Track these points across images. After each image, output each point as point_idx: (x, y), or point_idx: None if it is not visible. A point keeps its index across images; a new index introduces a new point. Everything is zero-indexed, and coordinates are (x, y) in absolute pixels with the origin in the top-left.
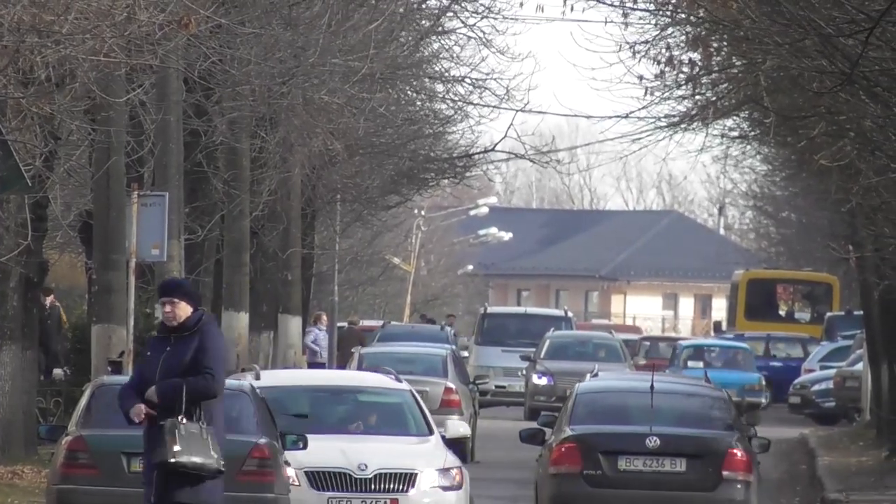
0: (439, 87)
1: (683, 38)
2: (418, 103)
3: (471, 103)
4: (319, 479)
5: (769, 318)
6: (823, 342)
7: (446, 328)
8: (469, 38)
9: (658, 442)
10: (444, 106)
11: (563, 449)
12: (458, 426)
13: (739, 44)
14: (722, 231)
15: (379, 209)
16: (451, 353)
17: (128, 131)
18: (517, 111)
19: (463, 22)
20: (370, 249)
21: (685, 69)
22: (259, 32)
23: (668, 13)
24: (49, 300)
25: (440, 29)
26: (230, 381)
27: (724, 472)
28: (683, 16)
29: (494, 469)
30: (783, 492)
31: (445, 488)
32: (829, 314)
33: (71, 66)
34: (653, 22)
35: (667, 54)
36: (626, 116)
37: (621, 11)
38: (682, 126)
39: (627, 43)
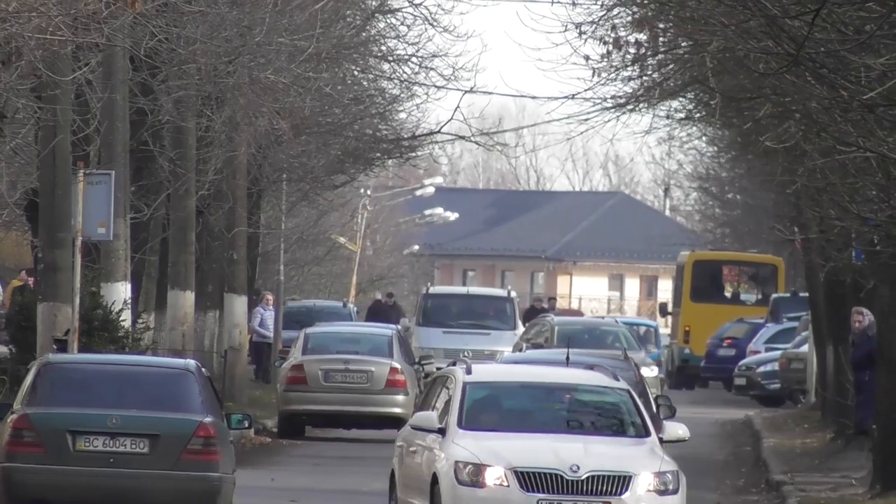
0: (385, 67)
1: (630, 18)
2: (364, 83)
3: (417, 83)
4: (529, 479)
5: (715, 299)
6: (769, 324)
7: (349, 305)
8: (415, 17)
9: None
10: (390, 85)
11: None
12: (676, 428)
13: (685, 25)
14: (667, 212)
15: (325, 189)
16: (396, 333)
17: (74, 110)
18: (464, 92)
19: (409, 1)
20: (316, 229)
21: (631, 50)
22: (205, 11)
23: None
24: None
25: (386, 8)
26: (174, 360)
27: None
28: None
29: None
30: (728, 473)
31: (661, 492)
32: (774, 296)
33: (17, 43)
34: (599, 2)
35: (613, 35)
36: (573, 97)
37: None
38: (629, 107)
39: (574, 23)
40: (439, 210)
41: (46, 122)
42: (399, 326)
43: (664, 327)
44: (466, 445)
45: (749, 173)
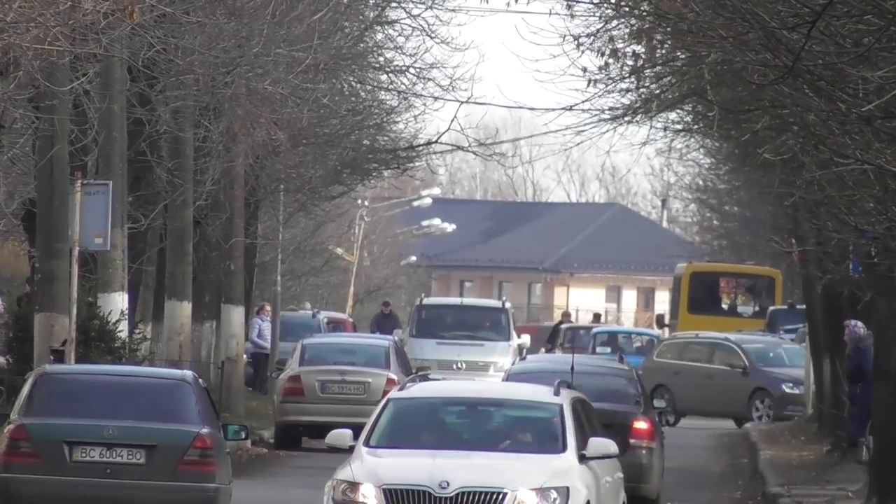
0: (383, 78)
1: (627, 30)
2: (362, 94)
3: (415, 94)
4: (397, 497)
5: (712, 311)
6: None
7: (318, 315)
8: (413, 28)
9: None
10: (388, 96)
11: None
12: (602, 444)
13: (683, 37)
14: (665, 224)
15: (322, 199)
16: (393, 344)
17: (71, 120)
18: (461, 103)
19: (407, 12)
20: (313, 239)
21: (629, 62)
22: (203, 22)
23: (613, 5)
24: None
25: (384, 19)
26: (171, 371)
27: (631, 440)
28: (627, 8)
29: None
30: (725, 485)
31: None
32: (771, 308)
33: (15, 54)
34: (597, 14)
35: (611, 47)
36: (570, 109)
37: (566, 3)
38: (626, 119)
39: (571, 35)
40: (436, 221)
41: (44, 132)
42: (395, 337)
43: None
44: (355, 464)
45: (747, 185)
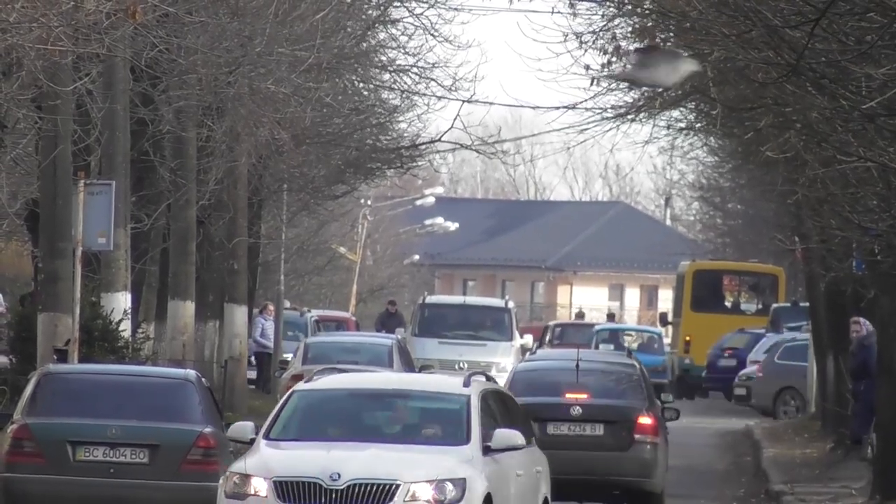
0: (386, 77)
1: (630, 28)
2: (365, 93)
3: (417, 93)
4: (288, 489)
5: (715, 309)
6: (769, 334)
7: (306, 315)
8: (416, 27)
9: (580, 410)
10: (390, 95)
11: None
12: (508, 436)
13: (686, 35)
14: (668, 222)
15: (325, 199)
16: (396, 342)
17: (74, 120)
18: (464, 101)
19: (409, 11)
20: (316, 239)
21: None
22: (206, 21)
23: (615, 4)
24: None
25: (387, 18)
26: (174, 370)
27: (636, 436)
28: (630, 6)
29: None
30: (728, 483)
31: (436, 503)
32: (774, 305)
33: (18, 54)
34: (600, 12)
35: (614, 45)
36: (573, 107)
37: (569, 2)
38: (629, 117)
39: (574, 33)
40: (439, 220)
41: (47, 132)
42: (399, 336)
43: (665, 337)
44: (250, 457)
45: (750, 183)
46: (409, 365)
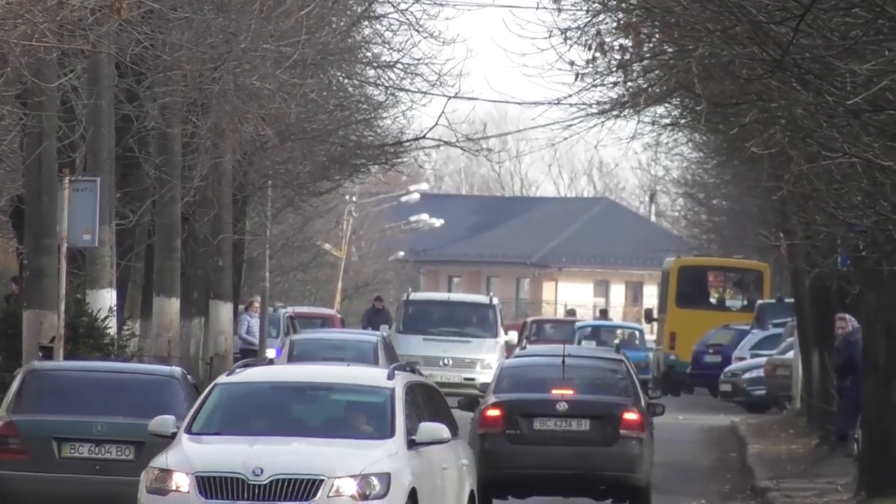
0: (371, 73)
1: (615, 24)
2: (350, 89)
3: (402, 89)
4: (210, 484)
5: (700, 305)
6: (754, 330)
7: (278, 311)
8: (400, 23)
9: (566, 406)
10: (375, 91)
11: (488, 413)
12: (433, 429)
13: (671, 30)
14: (653, 218)
15: (310, 195)
16: (381, 339)
17: (59, 116)
18: (448, 98)
19: (394, 7)
20: (301, 235)
21: (616, 56)
22: (190, 17)
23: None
24: None
25: (371, 14)
26: (159, 367)
27: (621, 431)
28: (615, 2)
29: None
30: (714, 479)
31: (362, 497)
32: (759, 302)
33: (2, 50)
34: (584, 8)
35: (598, 40)
36: (558, 103)
37: None
38: (614, 113)
39: (559, 29)
40: (424, 216)
41: (32, 128)
42: (384, 333)
43: (650, 333)
44: (172, 451)
45: (735, 179)
46: (393, 362)
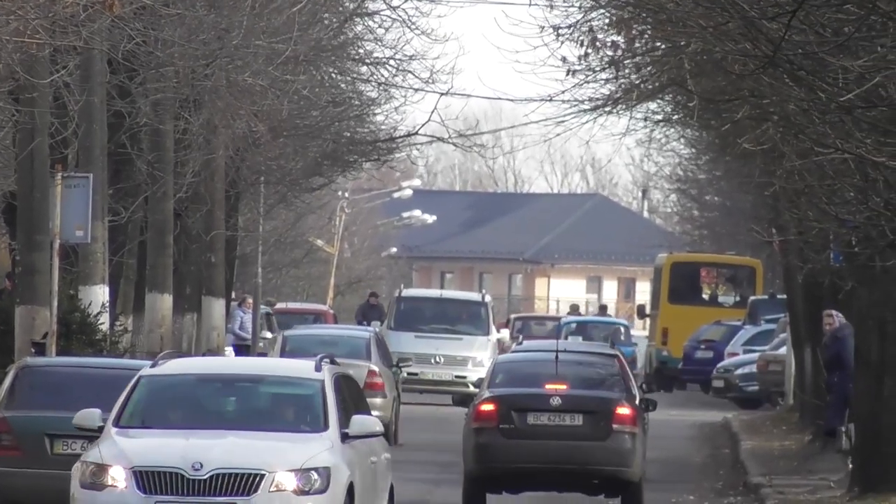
0: (363, 70)
1: (607, 20)
2: (342, 85)
3: (395, 86)
4: (149, 479)
5: (693, 301)
6: (747, 326)
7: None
8: (393, 20)
9: (560, 401)
10: (367, 88)
11: (482, 407)
12: (366, 422)
13: (663, 27)
14: (646, 214)
15: (302, 191)
16: (374, 335)
17: (52, 112)
18: (441, 94)
19: (387, 3)
20: (294, 231)
21: (609, 52)
22: (183, 14)
23: None
24: None
25: (364, 11)
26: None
27: (614, 425)
28: None
29: (418, 452)
30: (706, 475)
31: (302, 492)
32: (752, 298)
33: None
34: (577, 5)
35: (590, 37)
36: (550, 99)
37: None
38: (606, 109)
39: (551, 26)
40: (417, 212)
41: (24, 124)
42: (377, 328)
43: (642, 329)
44: (104, 445)
45: (727, 175)
46: (386, 357)
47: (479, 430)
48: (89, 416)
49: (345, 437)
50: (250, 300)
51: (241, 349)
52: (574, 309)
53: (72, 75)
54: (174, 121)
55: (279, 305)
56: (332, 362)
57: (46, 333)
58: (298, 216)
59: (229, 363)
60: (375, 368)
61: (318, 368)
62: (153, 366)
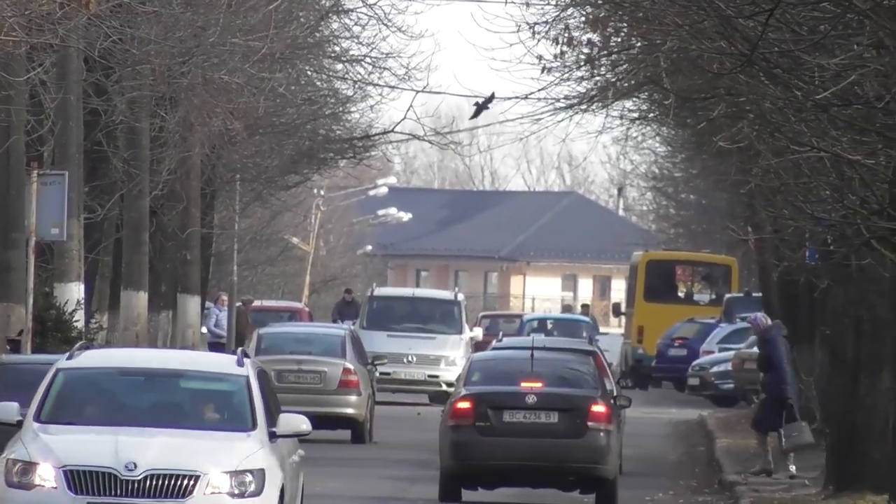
0: (339, 67)
1: (583, 18)
2: (318, 83)
3: (371, 83)
4: (80, 479)
5: (668, 299)
6: (722, 324)
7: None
8: (369, 17)
9: (535, 399)
10: (344, 86)
11: (459, 405)
12: (294, 421)
13: (639, 25)
14: (621, 212)
15: (278, 189)
16: (349, 333)
17: (28, 110)
18: (417, 92)
19: (363, 1)
20: (269, 229)
21: (585, 50)
22: (159, 12)
23: None
24: None
25: (340, 8)
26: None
27: (589, 423)
28: None
29: (393, 450)
30: (682, 473)
31: (237, 495)
32: (727, 295)
33: None
34: (553, 2)
35: (566, 35)
36: (526, 97)
37: None
38: (582, 107)
39: (527, 23)
40: (392, 210)
41: (0, 122)
42: (353, 326)
43: (618, 327)
44: (29, 441)
45: (703, 173)
46: (362, 355)
47: (456, 427)
48: (6, 409)
49: (272, 437)
50: (225, 297)
51: (217, 346)
52: (567, 309)
53: (48, 73)
54: (150, 118)
55: (255, 303)
56: (246, 355)
57: (22, 331)
58: (274, 214)
59: (149, 356)
60: (350, 366)
61: (240, 363)
62: (69, 358)
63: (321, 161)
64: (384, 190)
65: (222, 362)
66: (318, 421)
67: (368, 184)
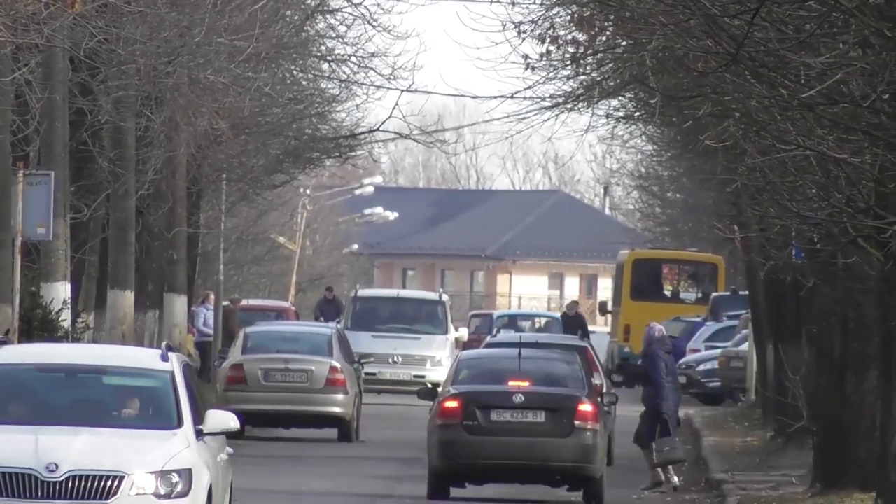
0: (325, 67)
1: (569, 17)
2: (304, 83)
3: (356, 83)
4: None
5: (655, 298)
6: (708, 322)
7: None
8: (354, 17)
9: (523, 398)
10: (330, 85)
11: (446, 404)
12: (222, 418)
13: (625, 24)
14: (608, 211)
15: (264, 188)
16: (336, 332)
17: (13, 110)
18: (402, 91)
19: (348, 1)
20: (256, 228)
21: (570, 49)
22: (145, 12)
23: None
24: None
25: (325, 8)
26: None
27: (576, 422)
28: None
29: (379, 448)
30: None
31: (164, 495)
32: (714, 294)
33: None
34: (538, 1)
35: (552, 34)
36: (512, 97)
37: None
38: (567, 106)
39: (513, 22)
40: (379, 209)
41: None
42: (339, 325)
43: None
44: None
45: (689, 172)
46: (348, 354)
47: (444, 426)
48: None
49: (199, 434)
50: (212, 296)
51: (205, 346)
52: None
53: (33, 73)
54: (136, 118)
55: (242, 302)
56: (171, 349)
57: (8, 330)
58: (260, 213)
59: (69, 351)
60: (337, 365)
61: (164, 358)
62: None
63: (307, 160)
64: (370, 189)
65: (146, 357)
66: (305, 420)
67: (355, 183)
